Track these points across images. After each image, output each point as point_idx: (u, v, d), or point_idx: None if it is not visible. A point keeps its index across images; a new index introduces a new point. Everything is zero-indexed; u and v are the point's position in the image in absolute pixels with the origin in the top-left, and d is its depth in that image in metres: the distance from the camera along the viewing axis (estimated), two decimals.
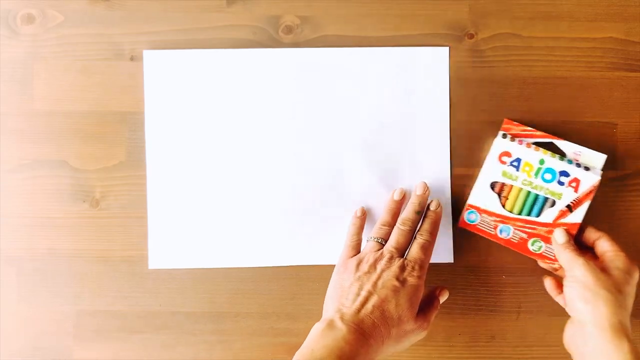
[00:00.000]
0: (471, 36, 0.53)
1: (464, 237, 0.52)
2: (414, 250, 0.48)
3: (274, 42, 0.53)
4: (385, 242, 0.49)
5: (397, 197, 0.52)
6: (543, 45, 0.53)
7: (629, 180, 0.53)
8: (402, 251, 0.49)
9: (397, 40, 0.53)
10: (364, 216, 0.52)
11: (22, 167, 0.53)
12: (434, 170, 0.52)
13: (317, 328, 0.44)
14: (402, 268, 0.47)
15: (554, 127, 0.52)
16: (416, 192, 0.51)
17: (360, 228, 0.51)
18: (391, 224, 0.50)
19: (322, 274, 0.52)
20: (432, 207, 0.51)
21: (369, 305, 0.45)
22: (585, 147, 0.51)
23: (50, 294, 0.52)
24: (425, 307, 0.49)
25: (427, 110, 0.53)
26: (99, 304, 0.52)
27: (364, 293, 0.46)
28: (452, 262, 0.52)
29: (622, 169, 0.53)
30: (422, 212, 0.51)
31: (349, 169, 0.52)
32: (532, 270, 0.52)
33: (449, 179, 0.52)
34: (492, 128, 0.53)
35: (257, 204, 0.52)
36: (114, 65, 0.53)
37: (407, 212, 0.50)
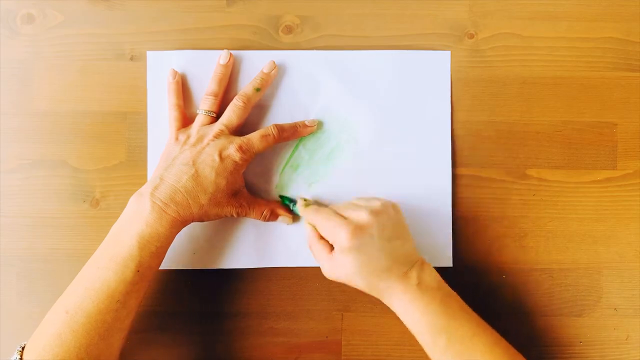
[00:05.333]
0: (471, 36, 0.53)
1: (462, 236, 0.52)
2: (254, 136, 0.48)
3: (274, 42, 0.53)
4: (216, 114, 0.49)
5: (222, 60, 0.51)
6: (543, 45, 0.53)
7: (629, 180, 0.53)
8: (233, 129, 0.48)
9: (397, 40, 0.53)
10: (179, 79, 0.51)
11: (22, 167, 0.53)
12: (435, 170, 0.52)
13: (131, 203, 0.46)
14: (228, 143, 0.47)
15: (554, 127, 0.53)
16: (263, 69, 0.51)
17: (178, 97, 0.50)
18: (217, 94, 0.50)
19: (322, 274, 0.52)
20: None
21: (184, 179, 0.46)
22: (584, 146, 0.51)
23: (50, 294, 0.52)
24: (252, 198, 0.50)
25: (428, 112, 0.52)
26: None
27: (185, 167, 0.46)
28: (451, 266, 0.52)
29: (622, 169, 0.53)
30: (264, 90, 0.51)
31: (349, 170, 0.52)
32: (531, 271, 0.52)
33: (450, 180, 0.52)
34: (492, 128, 0.53)
35: None
36: (114, 65, 0.53)
37: (246, 87, 0.50)
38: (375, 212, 0.45)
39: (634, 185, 0.53)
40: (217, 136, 0.47)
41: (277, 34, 0.53)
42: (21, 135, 0.53)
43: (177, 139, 0.49)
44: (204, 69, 0.52)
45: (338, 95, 0.52)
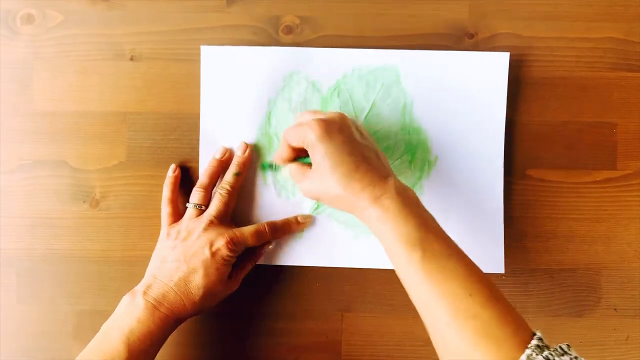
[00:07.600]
0: (471, 36, 0.53)
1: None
2: (247, 232, 0.48)
3: (274, 42, 0.53)
4: (205, 207, 0.49)
5: (218, 155, 0.51)
6: (543, 45, 0.53)
7: (629, 180, 0.53)
8: (222, 217, 0.48)
9: (397, 40, 0.53)
10: (178, 174, 0.51)
11: (22, 167, 0.53)
12: (487, 174, 0.52)
13: (124, 301, 0.46)
14: (217, 236, 0.47)
15: (554, 127, 0.53)
16: (236, 152, 0.51)
17: (174, 192, 0.51)
18: (207, 187, 0.50)
19: (322, 273, 0.52)
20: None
21: (176, 277, 0.46)
22: (585, 146, 0.51)
23: (50, 294, 0.52)
24: (240, 263, 0.50)
25: (482, 114, 0.52)
26: (99, 304, 0.53)
27: (176, 264, 0.46)
28: (503, 272, 0.52)
29: (622, 169, 0.53)
30: (244, 173, 0.50)
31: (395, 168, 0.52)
32: (532, 270, 0.52)
33: (502, 185, 0.52)
34: None
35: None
36: (114, 65, 0.53)
37: (226, 175, 0.50)
38: (339, 113, 0.45)
39: (633, 186, 0.53)
40: (206, 229, 0.47)
41: (277, 34, 0.53)
42: (21, 135, 0.53)
43: (168, 235, 0.49)
44: (256, 66, 0.52)
45: (395, 96, 0.52)
